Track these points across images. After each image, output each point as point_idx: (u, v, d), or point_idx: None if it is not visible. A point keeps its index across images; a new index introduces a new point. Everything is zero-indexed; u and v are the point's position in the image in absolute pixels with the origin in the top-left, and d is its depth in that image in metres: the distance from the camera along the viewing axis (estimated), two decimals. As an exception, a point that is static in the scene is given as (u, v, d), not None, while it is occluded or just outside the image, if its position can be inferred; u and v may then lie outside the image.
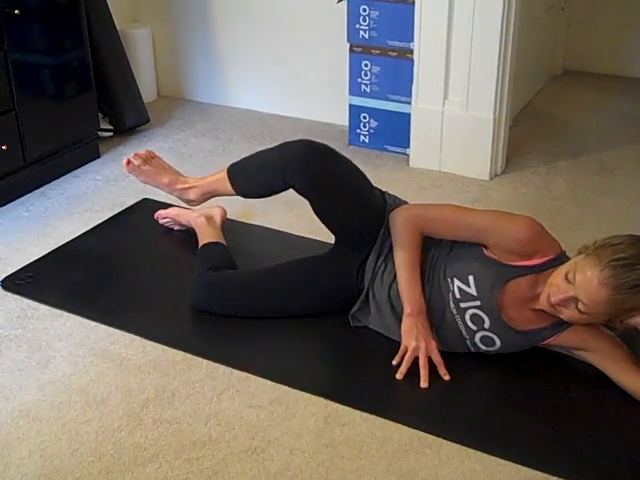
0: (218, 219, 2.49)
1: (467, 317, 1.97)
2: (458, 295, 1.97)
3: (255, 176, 2.20)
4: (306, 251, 2.26)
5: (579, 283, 1.76)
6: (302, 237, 2.61)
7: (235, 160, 2.28)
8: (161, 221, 2.66)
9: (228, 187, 2.21)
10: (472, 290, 1.95)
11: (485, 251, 1.95)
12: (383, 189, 2.21)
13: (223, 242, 2.40)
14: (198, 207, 2.46)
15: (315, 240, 2.53)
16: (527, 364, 2.02)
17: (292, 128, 3.57)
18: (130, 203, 2.87)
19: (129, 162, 2.37)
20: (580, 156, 3.30)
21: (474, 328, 1.98)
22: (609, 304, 1.74)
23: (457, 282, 1.97)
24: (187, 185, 2.34)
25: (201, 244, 2.39)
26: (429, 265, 2.03)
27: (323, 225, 2.16)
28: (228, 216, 2.61)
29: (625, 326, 1.82)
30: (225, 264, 2.28)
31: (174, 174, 2.38)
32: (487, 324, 1.96)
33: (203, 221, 2.47)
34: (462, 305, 1.97)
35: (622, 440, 1.80)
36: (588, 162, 3.25)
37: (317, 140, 2.15)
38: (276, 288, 2.17)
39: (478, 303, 1.95)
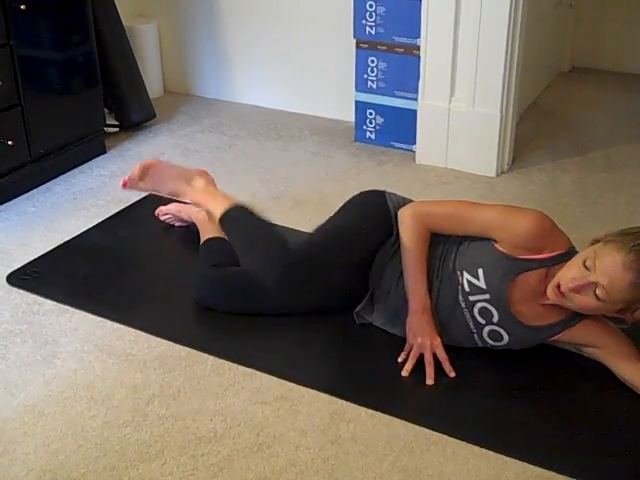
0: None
1: (476, 310, 1.97)
2: (467, 288, 1.96)
3: (241, 251, 2.10)
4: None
5: (602, 268, 1.75)
6: (307, 233, 2.60)
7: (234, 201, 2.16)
8: (162, 217, 2.65)
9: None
10: (481, 283, 1.94)
11: (495, 244, 1.94)
12: (385, 188, 2.18)
13: (223, 236, 2.38)
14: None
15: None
16: (533, 361, 2.02)
17: (298, 124, 3.57)
18: (136, 199, 2.86)
19: (125, 183, 2.24)
20: (587, 153, 3.29)
21: (482, 322, 1.97)
22: (630, 289, 1.73)
23: (466, 275, 1.96)
24: (186, 198, 2.26)
25: (203, 240, 2.38)
26: (438, 259, 2.02)
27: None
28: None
29: (636, 318, 1.82)
30: (228, 260, 2.27)
31: (172, 184, 2.23)
32: (496, 318, 1.95)
33: (204, 216, 2.45)
34: (471, 298, 1.96)
35: (629, 438, 1.79)
36: (595, 159, 3.24)
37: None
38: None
39: (487, 296, 1.94)
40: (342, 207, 2.18)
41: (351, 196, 2.22)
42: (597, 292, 1.76)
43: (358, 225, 2.11)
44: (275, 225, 2.09)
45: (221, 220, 2.10)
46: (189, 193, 2.23)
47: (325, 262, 2.02)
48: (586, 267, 1.78)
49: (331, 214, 2.17)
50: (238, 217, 2.11)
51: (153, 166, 2.24)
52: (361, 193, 2.21)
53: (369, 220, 2.11)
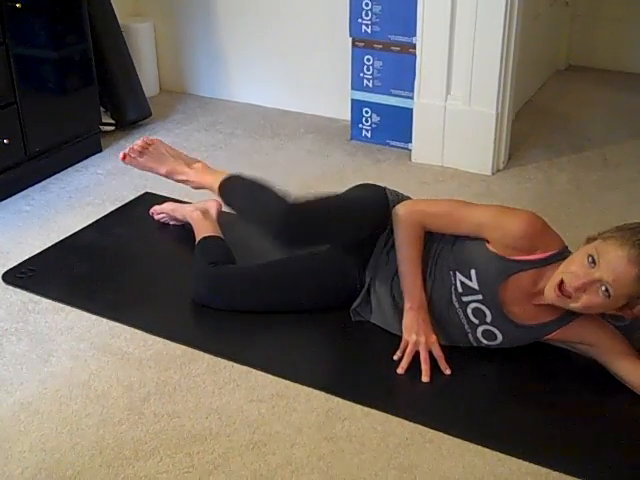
0: (214, 212, 2.48)
1: (469, 311, 1.97)
2: (460, 289, 1.96)
3: (243, 210, 2.15)
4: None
5: (605, 265, 1.74)
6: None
7: (231, 170, 2.23)
8: (156, 217, 2.65)
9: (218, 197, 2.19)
10: (474, 284, 1.94)
11: (488, 245, 1.94)
12: (383, 185, 2.19)
13: (220, 235, 2.39)
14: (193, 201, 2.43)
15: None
16: (528, 359, 2.02)
17: (294, 123, 3.57)
18: (131, 197, 2.87)
19: (125, 156, 2.33)
20: (583, 151, 3.29)
21: (476, 322, 1.97)
22: (635, 284, 1.73)
23: (459, 276, 1.96)
24: (184, 177, 2.32)
25: (198, 238, 2.37)
26: (432, 259, 2.02)
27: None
28: (229, 210, 2.59)
29: (635, 314, 1.82)
30: (224, 258, 2.28)
31: (172, 162, 2.32)
32: (489, 318, 1.95)
33: (199, 215, 2.46)
34: (464, 299, 1.96)
35: (623, 435, 1.80)
36: (591, 157, 3.24)
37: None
38: (277, 283, 2.17)
39: (480, 297, 1.94)
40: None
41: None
42: (603, 288, 1.75)
43: (358, 200, 2.13)
44: (275, 185, 2.10)
45: (221, 187, 2.14)
46: (187, 172, 2.28)
47: (323, 218, 2.03)
48: (589, 264, 1.77)
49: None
50: (238, 181, 2.15)
51: (155, 143, 2.31)
52: (362, 184, 2.23)
53: (368, 200, 2.12)
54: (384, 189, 2.16)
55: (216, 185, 2.17)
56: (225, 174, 2.22)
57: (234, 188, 2.16)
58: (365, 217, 2.10)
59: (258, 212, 2.06)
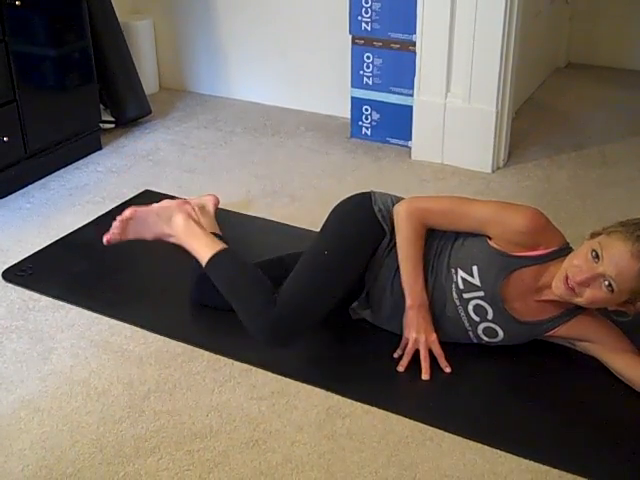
0: (211, 208, 2.46)
1: (470, 308, 1.97)
2: (461, 286, 1.96)
3: (228, 298, 2.05)
4: (307, 244, 2.25)
5: (609, 259, 1.75)
6: (303, 229, 2.60)
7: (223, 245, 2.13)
8: None
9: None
10: (476, 280, 1.94)
11: (489, 241, 1.94)
12: (372, 189, 2.14)
13: (218, 232, 2.37)
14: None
15: (316, 233, 2.51)
16: (528, 356, 2.02)
17: (294, 120, 3.57)
18: (131, 194, 2.87)
19: (109, 241, 2.22)
20: (583, 149, 3.29)
21: (477, 319, 1.97)
22: (638, 278, 1.73)
23: (461, 272, 1.96)
24: (171, 241, 2.24)
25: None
26: (433, 255, 2.02)
27: (324, 218, 2.15)
28: (229, 207, 2.59)
29: (638, 310, 1.82)
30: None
31: (154, 231, 2.23)
32: (490, 315, 1.95)
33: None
34: (465, 296, 1.96)
35: (624, 433, 1.80)
36: (591, 155, 3.24)
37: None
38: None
39: (481, 294, 1.94)
40: (327, 223, 2.12)
41: (342, 199, 2.15)
42: (606, 283, 1.76)
43: (345, 247, 2.05)
44: (259, 273, 2.04)
45: (206, 268, 2.08)
46: (172, 237, 2.21)
47: (313, 306, 1.98)
48: (593, 259, 1.77)
49: (327, 210, 2.15)
50: (221, 266, 2.08)
51: (131, 218, 2.21)
52: (345, 201, 2.14)
53: (355, 236, 2.06)
54: (369, 200, 2.08)
55: (202, 261, 2.09)
56: (208, 249, 2.09)
57: (218, 276, 2.08)
58: (356, 262, 2.04)
59: (242, 314, 1.99)
